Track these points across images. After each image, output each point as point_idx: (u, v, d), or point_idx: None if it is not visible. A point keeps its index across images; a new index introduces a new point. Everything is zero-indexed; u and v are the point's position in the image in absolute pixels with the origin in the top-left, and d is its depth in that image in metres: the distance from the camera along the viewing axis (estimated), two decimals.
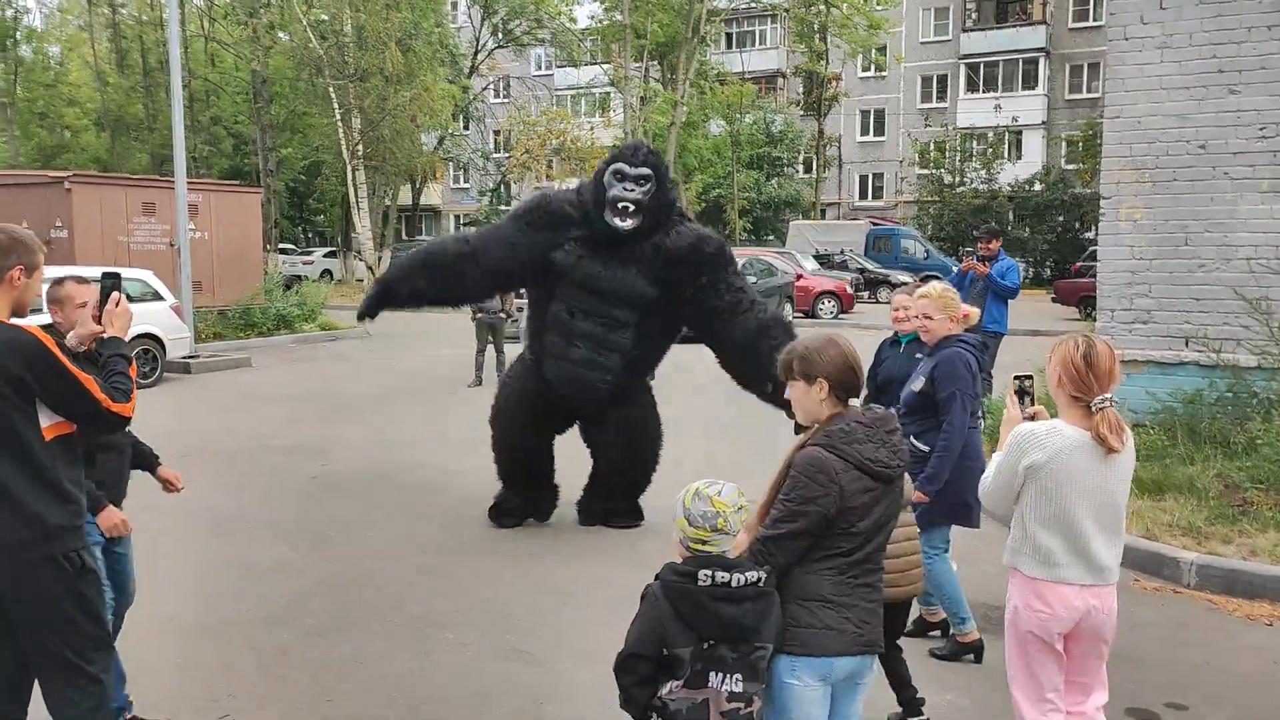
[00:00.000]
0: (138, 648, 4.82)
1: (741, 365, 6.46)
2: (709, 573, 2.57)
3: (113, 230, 16.33)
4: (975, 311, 4.96)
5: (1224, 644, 4.99)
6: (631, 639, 2.62)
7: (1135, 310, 8.69)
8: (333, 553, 6.40)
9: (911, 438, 4.59)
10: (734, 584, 2.57)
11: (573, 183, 8.40)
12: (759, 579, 2.61)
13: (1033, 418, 3.29)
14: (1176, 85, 8.45)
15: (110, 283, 3.28)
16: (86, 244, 15.75)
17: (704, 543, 2.62)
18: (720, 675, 2.55)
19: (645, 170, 6.27)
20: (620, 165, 6.24)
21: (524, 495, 6.93)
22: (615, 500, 6.92)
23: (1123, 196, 8.72)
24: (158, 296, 13.69)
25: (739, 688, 2.57)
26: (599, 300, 6.36)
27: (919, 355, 5.25)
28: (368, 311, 6.81)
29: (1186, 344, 8.46)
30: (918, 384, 4.73)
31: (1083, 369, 3.10)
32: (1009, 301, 9.64)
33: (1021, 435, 3.16)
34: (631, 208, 6.19)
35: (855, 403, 2.87)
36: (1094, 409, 3.09)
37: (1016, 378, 3.43)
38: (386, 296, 6.77)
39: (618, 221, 6.18)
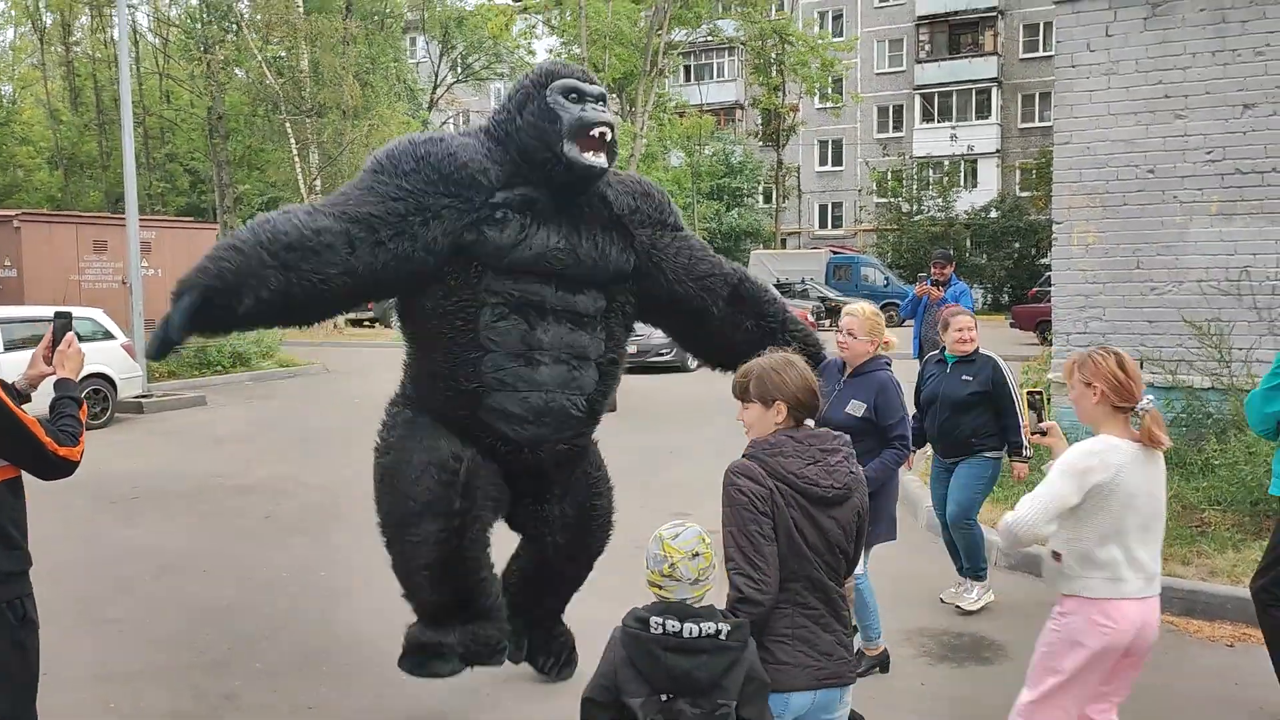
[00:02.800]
0: (79, 693, 4.66)
1: (748, 322, 4.49)
2: (660, 620, 2.44)
3: (63, 268, 16.08)
4: (894, 340, 4.95)
5: (1186, 666, 4.97)
6: (589, 683, 2.51)
7: (1090, 333, 8.75)
8: (285, 594, 6.24)
9: None
10: (686, 634, 2.41)
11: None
12: (718, 631, 2.44)
13: (1044, 433, 3.35)
14: (1124, 111, 8.58)
15: (63, 323, 3.22)
16: (36, 283, 15.50)
17: (659, 587, 2.50)
18: None
19: (601, 90, 4.19)
20: (574, 83, 4.06)
21: (474, 624, 4.15)
22: (550, 600, 4.69)
23: (1075, 221, 8.82)
24: (109, 335, 13.43)
25: None
26: (559, 287, 4.12)
27: (966, 376, 5.59)
28: (161, 352, 3.81)
29: (1141, 366, 8.52)
30: (856, 409, 4.64)
31: (1123, 377, 3.14)
32: None
33: (1081, 458, 3.12)
34: (609, 134, 4.03)
35: (810, 423, 2.79)
36: (1140, 412, 3.13)
37: (1030, 392, 3.44)
38: (200, 318, 3.66)
39: (590, 157, 3.97)
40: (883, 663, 4.87)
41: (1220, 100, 8.28)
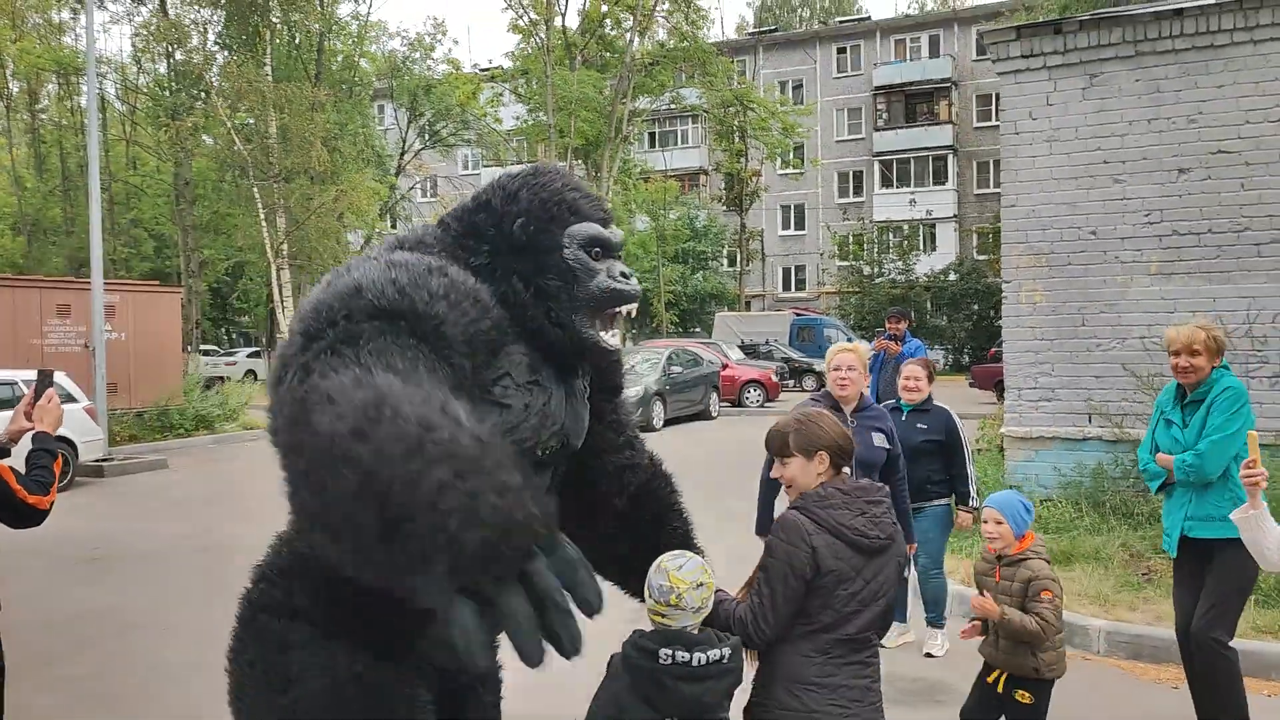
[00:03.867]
0: None
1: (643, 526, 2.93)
2: (669, 651, 2.49)
3: (26, 332, 15.99)
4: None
5: (1133, 708, 5.12)
6: (589, 711, 2.58)
7: (1040, 389, 9.01)
8: None
9: None
10: (695, 663, 2.48)
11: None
12: (722, 657, 2.51)
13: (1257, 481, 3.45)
14: (1066, 175, 8.94)
15: (44, 380, 3.47)
16: None
17: (662, 616, 2.57)
18: None
19: (622, 236, 2.83)
20: (601, 232, 2.66)
21: None
22: None
23: (1022, 280, 9.12)
24: (70, 398, 13.36)
25: None
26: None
27: (921, 425, 5.75)
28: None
29: (1090, 420, 8.79)
30: (884, 442, 4.93)
31: None
32: None
33: None
34: (633, 313, 2.74)
35: (846, 470, 2.88)
36: None
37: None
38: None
39: (608, 338, 2.64)
40: None
41: (1156, 165, 8.65)
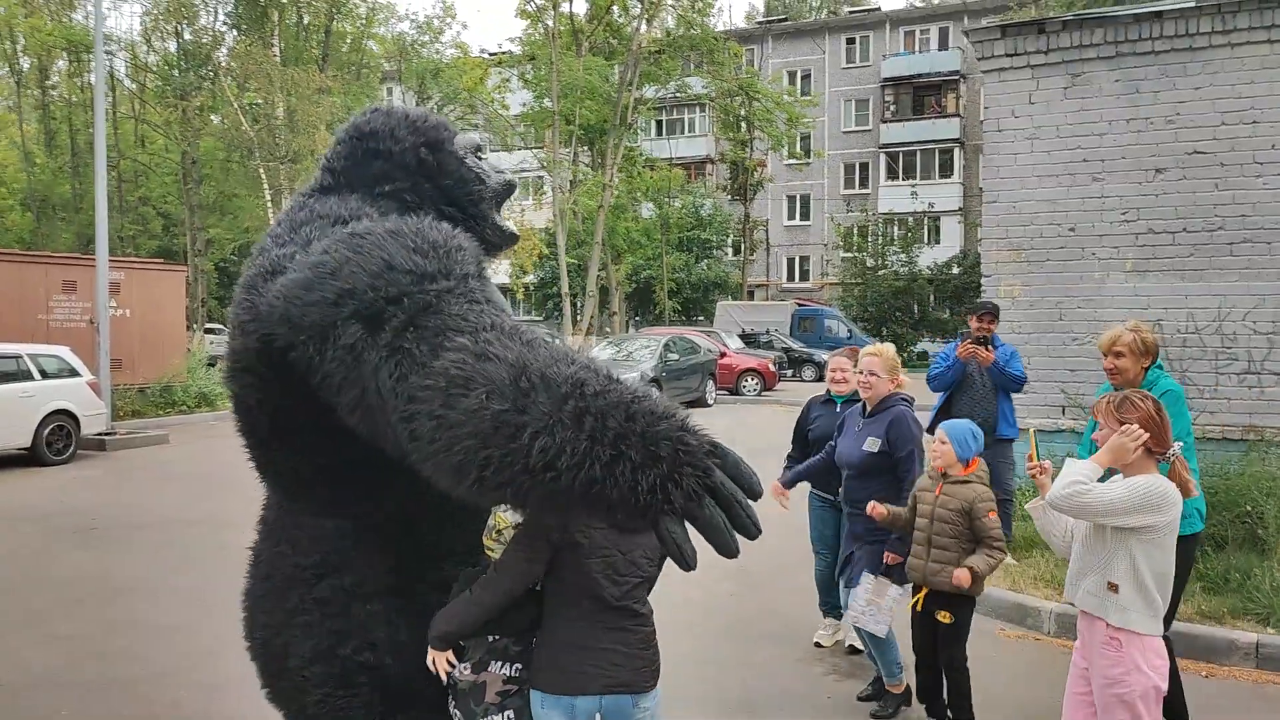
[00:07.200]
0: (30, 700, 4.92)
1: None
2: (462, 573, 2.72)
3: (32, 308, 16.27)
4: (905, 380, 5.09)
5: (1060, 677, 5.34)
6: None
7: None
8: (232, 616, 6.48)
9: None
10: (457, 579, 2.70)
11: None
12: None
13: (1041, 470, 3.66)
14: (1046, 173, 9.12)
15: None
16: (4, 320, 15.67)
17: (489, 550, 2.82)
18: (500, 663, 2.73)
19: None
20: (475, 138, 3.03)
21: None
22: None
23: (1002, 275, 9.32)
24: (74, 373, 13.66)
25: (516, 674, 2.75)
26: None
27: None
28: None
29: (1063, 412, 9.00)
30: (872, 445, 4.80)
31: (1159, 422, 3.31)
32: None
33: (1159, 493, 3.27)
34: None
35: None
36: (1172, 457, 3.35)
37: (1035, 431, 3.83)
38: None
39: (512, 226, 3.09)
40: (907, 698, 4.91)
41: (1134, 165, 8.83)
